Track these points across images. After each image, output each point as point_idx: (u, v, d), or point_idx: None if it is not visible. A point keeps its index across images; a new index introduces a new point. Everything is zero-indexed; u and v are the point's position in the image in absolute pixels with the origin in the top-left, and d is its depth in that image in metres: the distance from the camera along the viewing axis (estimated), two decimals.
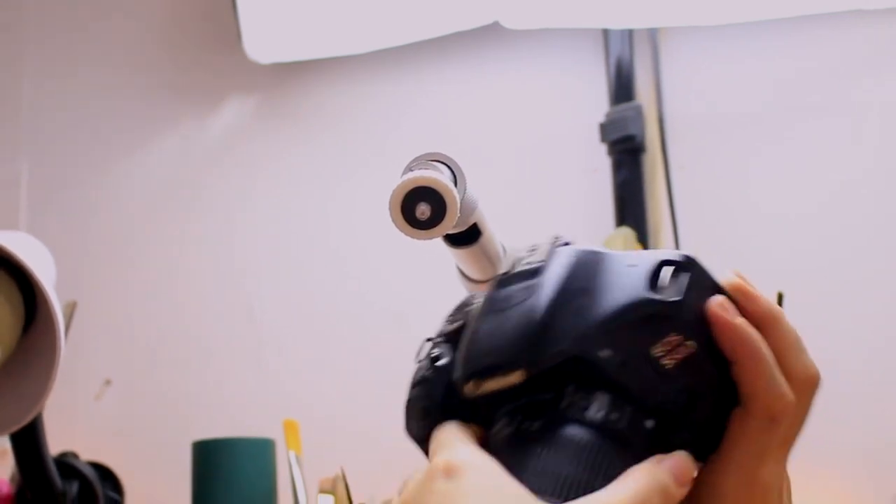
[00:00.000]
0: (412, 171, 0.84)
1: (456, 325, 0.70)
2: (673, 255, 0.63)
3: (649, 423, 0.60)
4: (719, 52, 1.73)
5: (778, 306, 0.71)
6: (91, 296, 1.77)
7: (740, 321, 0.65)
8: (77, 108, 2.03)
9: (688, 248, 1.61)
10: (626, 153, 1.70)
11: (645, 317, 0.60)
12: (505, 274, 0.66)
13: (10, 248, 1.13)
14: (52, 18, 2.07)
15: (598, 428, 0.58)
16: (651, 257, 0.62)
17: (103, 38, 2.04)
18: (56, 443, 1.44)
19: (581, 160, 1.74)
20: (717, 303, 0.65)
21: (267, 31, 1.84)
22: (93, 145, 2.01)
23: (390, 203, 0.81)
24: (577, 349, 0.59)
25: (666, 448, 0.60)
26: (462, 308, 0.72)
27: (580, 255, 0.64)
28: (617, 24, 1.72)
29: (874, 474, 1.51)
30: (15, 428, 1.21)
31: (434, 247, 1.19)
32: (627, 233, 1.57)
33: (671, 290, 0.61)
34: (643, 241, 1.63)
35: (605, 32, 1.75)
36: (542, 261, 0.64)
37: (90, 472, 1.49)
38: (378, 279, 1.81)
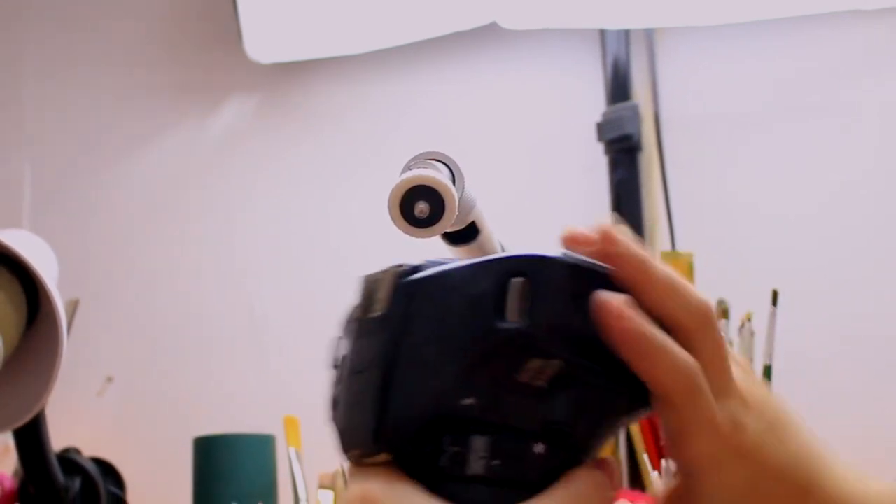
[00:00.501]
0: (411, 169, 0.85)
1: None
2: (516, 262, 0.58)
3: (539, 448, 0.56)
4: (715, 52, 1.74)
5: (643, 253, 0.68)
6: (93, 294, 1.77)
7: (626, 325, 0.60)
8: (79, 108, 2.03)
9: (683, 246, 1.61)
10: (623, 152, 1.70)
11: (495, 351, 0.55)
12: (350, 317, 0.61)
13: (13, 247, 1.14)
14: (54, 19, 2.07)
15: (483, 481, 0.55)
16: (494, 271, 0.57)
17: (105, 38, 2.04)
18: (58, 439, 1.44)
19: (578, 159, 1.75)
20: (604, 311, 0.59)
21: (267, 32, 1.84)
22: (94, 145, 2.01)
23: (389, 201, 0.81)
24: (435, 410, 0.55)
25: (570, 462, 0.57)
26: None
27: (421, 292, 0.57)
28: (613, 24, 1.72)
29: (869, 472, 1.52)
30: (18, 424, 1.21)
31: (432, 245, 1.19)
32: (624, 230, 1.57)
33: (517, 310, 0.55)
34: (639, 239, 1.63)
35: (602, 33, 1.75)
36: (385, 311, 0.58)
37: (92, 468, 1.49)
38: (373, 268, 1.81)
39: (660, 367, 0.61)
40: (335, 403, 0.60)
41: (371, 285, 0.60)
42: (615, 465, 0.59)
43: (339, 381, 0.61)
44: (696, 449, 0.63)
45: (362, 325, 0.59)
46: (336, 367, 0.64)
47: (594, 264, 0.61)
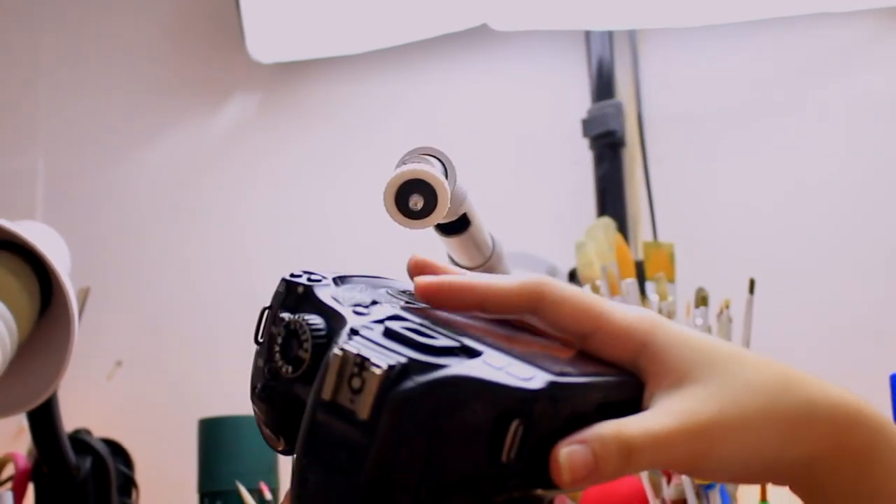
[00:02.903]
0: (406, 164, 0.85)
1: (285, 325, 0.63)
2: (513, 400, 0.53)
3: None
4: (694, 52, 1.74)
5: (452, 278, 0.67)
6: (103, 282, 1.77)
7: (446, 282, 0.65)
8: (90, 105, 2.03)
9: (665, 237, 1.62)
10: (607, 147, 1.70)
11: (482, 484, 0.53)
12: (327, 398, 0.55)
13: (27, 237, 1.13)
14: (67, 21, 2.06)
15: None
16: (490, 405, 0.52)
17: (115, 38, 2.04)
18: (70, 420, 1.44)
19: (565, 154, 1.75)
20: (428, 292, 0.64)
21: (269, 33, 1.84)
22: (105, 140, 2.01)
23: (385, 194, 0.81)
24: None
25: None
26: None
27: (411, 409, 0.52)
28: (598, 26, 1.72)
29: None
30: (32, 406, 1.21)
31: (425, 235, 1.18)
32: (608, 222, 1.57)
33: (514, 451, 0.53)
34: (623, 230, 1.63)
35: (587, 34, 1.75)
36: (370, 418, 0.53)
37: (102, 448, 1.49)
38: (372, 264, 1.81)
39: (499, 288, 0.63)
40: (303, 482, 0.56)
41: (345, 368, 0.54)
42: None
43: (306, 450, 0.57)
44: (616, 318, 0.62)
45: (331, 407, 0.54)
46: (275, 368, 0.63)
47: (582, 385, 0.56)
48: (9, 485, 1.48)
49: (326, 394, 0.54)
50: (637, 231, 1.69)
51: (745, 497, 1.32)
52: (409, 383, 0.52)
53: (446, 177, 0.83)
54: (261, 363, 0.67)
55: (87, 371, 1.87)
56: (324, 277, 0.69)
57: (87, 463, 1.46)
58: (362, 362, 0.53)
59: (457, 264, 1.27)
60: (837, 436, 0.64)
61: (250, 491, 1.38)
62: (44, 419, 1.36)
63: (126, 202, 1.97)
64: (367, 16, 1.80)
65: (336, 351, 0.55)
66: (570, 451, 0.55)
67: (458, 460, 0.52)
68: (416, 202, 0.80)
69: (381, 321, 0.58)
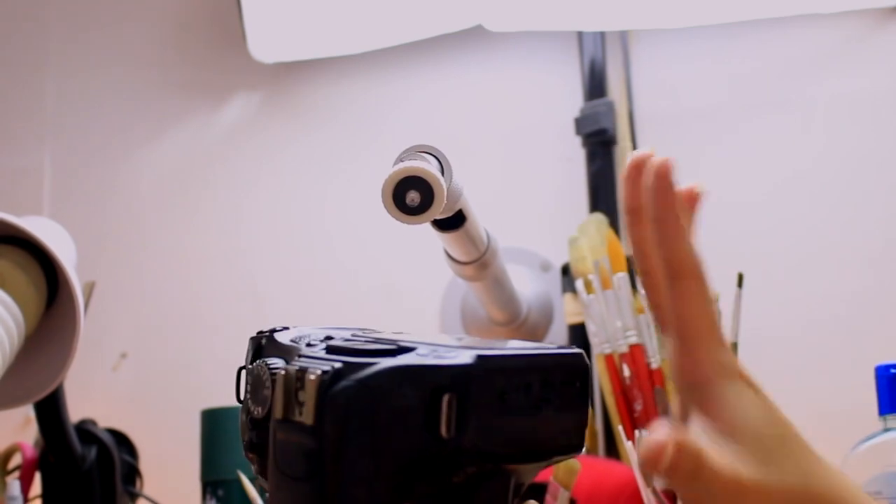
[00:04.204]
0: (403, 161, 0.84)
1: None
2: (441, 376, 0.54)
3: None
4: (684, 52, 1.73)
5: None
6: (109, 276, 1.77)
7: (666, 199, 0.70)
8: (96, 104, 2.02)
9: None
10: (599, 145, 1.69)
11: (430, 462, 0.54)
12: (280, 416, 0.57)
13: (34, 233, 1.13)
14: (73, 23, 2.06)
15: None
16: (421, 385, 0.54)
17: (119, 39, 2.03)
18: (76, 411, 1.44)
19: (557, 152, 1.74)
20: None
21: (270, 33, 1.84)
22: (110, 137, 2.00)
23: (383, 191, 0.81)
24: None
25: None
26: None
27: (348, 404, 0.53)
28: (590, 27, 1.72)
29: (822, 447, 1.52)
30: (38, 397, 1.21)
31: (421, 231, 1.18)
32: (600, 218, 1.57)
33: (449, 425, 0.54)
34: (614, 225, 1.63)
35: (580, 35, 1.75)
36: (313, 422, 0.54)
37: (107, 438, 1.49)
38: (370, 259, 1.81)
39: (679, 243, 0.71)
40: (277, 501, 0.57)
41: (289, 384, 0.56)
42: None
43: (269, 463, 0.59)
44: (710, 354, 0.65)
45: (285, 424, 0.56)
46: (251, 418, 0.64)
47: (511, 356, 0.56)
48: (16, 474, 1.48)
49: (278, 412, 0.56)
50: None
51: None
52: (344, 382, 0.54)
53: (443, 174, 0.83)
54: (243, 417, 0.68)
55: (93, 363, 1.87)
56: (287, 328, 0.70)
57: (93, 452, 1.45)
58: (302, 375, 0.55)
59: (453, 259, 1.26)
60: None
61: (252, 480, 1.37)
62: (50, 410, 1.36)
63: (131, 199, 1.97)
64: (367, 16, 1.79)
65: (280, 371, 0.57)
66: (649, 439, 0.57)
67: (403, 445, 0.53)
68: (413, 198, 0.80)
69: (325, 340, 0.61)
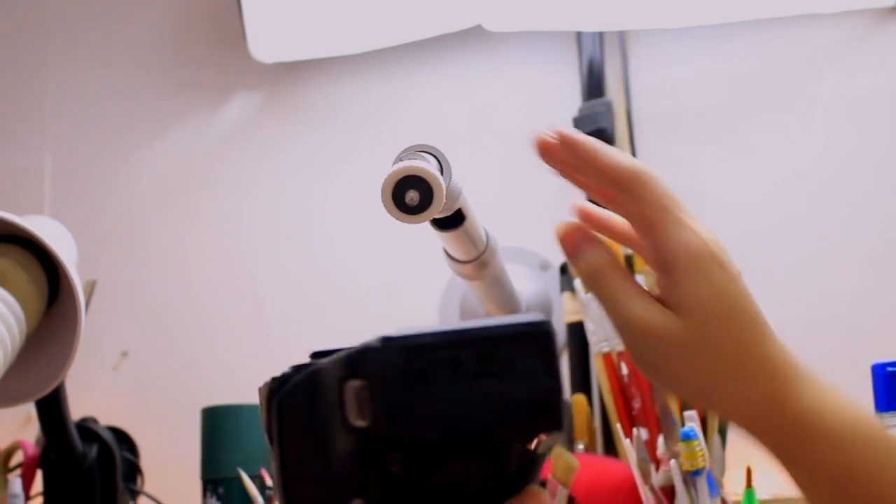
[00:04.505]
0: (402, 161, 0.84)
1: None
2: (348, 363, 0.53)
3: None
4: (682, 52, 1.73)
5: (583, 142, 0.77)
6: (109, 275, 1.77)
7: (568, 138, 0.77)
8: (96, 104, 2.02)
9: None
10: None
11: (356, 453, 0.52)
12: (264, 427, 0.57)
13: (35, 232, 1.13)
14: (73, 24, 2.06)
15: None
16: (335, 376, 0.53)
17: (120, 39, 2.03)
18: (77, 409, 1.44)
19: None
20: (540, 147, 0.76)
21: (270, 33, 1.84)
22: (111, 137, 2.00)
23: (382, 190, 0.81)
24: None
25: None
26: None
27: (289, 406, 0.54)
28: (589, 27, 1.72)
29: None
30: (40, 395, 1.21)
31: (421, 230, 1.18)
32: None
33: (357, 413, 0.52)
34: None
35: (578, 35, 1.75)
36: (266, 427, 0.55)
37: (108, 436, 1.49)
38: (370, 259, 1.81)
39: (608, 159, 0.75)
40: None
41: (261, 399, 0.57)
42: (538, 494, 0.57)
43: None
44: (678, 234, 0.71)
45: (267, 434, 0.56)
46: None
47: (427, 334, 0.53)
48: (18, 471, 1.48)
49: (263, 426, 0.56)
50: None
51: (732, 482, 1.32)
52: (284, 388, 0.54)
53: (442, 173, 0.83)
54: None
55: (94, 361, 1.87)
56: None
57: (94, 450, 1.45)
58: (266, 387, 0.55)
59: (452, 258, 1.26)
60: (769, 388, 0.69)
61: (252, 477, 1.37)
62: (52, 408, 1.36)
63: (131, 198, 1.97)
64: (366, 17, 1.79)
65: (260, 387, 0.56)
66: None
67: (335, 442, 0.52)
68: (413, 198, 0.80)
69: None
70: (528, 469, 0.53)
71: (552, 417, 0.51)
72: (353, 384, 0.51)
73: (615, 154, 0.75)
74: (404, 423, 0.51)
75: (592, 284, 0.75)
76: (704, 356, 0.66)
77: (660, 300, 0.72)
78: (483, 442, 0.51)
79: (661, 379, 0.71)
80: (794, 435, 0.69)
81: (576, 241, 0.80)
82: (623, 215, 0.77)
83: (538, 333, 0.53)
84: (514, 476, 0.52)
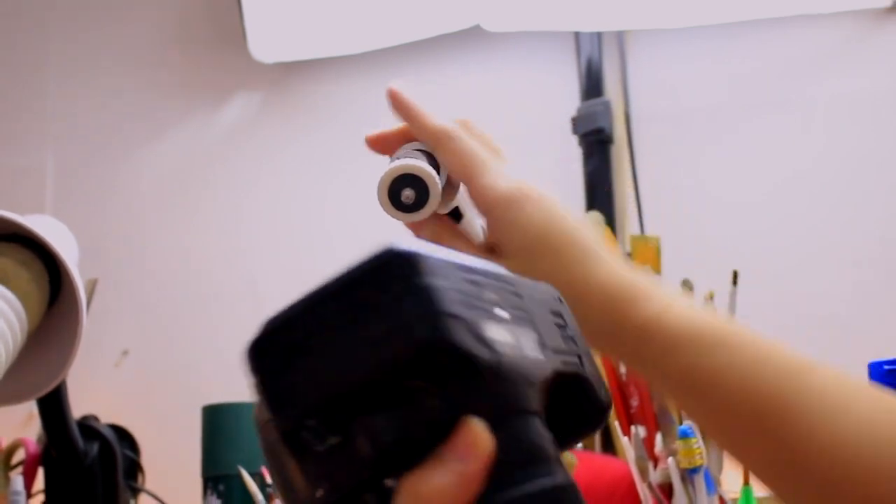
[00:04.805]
0: (399, 159, 0.85)
1: None
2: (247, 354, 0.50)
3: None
4: (680, 52, 1.74)
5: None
6: (110, 274, 1.77)
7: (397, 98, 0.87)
8: (97, 104, 2.02)
9: (651, 231, 1.61)
10: (596, 144, 1.70)
11: (281, 441, 0.50)
12: None
13: (37, 231, 1.13)
14: (74, 24, 2.06)
15: None
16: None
17: (121, 39, 2.04)
18: (78, 407, 1.44)
19: (555, 151, 1.74)
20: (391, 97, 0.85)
21: (270, 33, 1.84)
22: (112, 137, 2.00)
23: (378, 188, 0.81)
24: None
25: None
26: None
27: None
28: (587, 27, 1.72)
29: None
30: (41, 393, 1.21)
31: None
32: (596, 217, 1.57)
33: (258, 401, 0.51)
34: (611, 224, 1.63)
35: (577, 35, 1.75)
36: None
37: (109, 434, 1.49)
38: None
39: (420, 120, 0.84)
40: None
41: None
42: None
43: None
44: (486, 181, 0.77)
45: None
46: None
47: (301, 303, 0.51)
48: (19, 469, 1.48)
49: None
50: (624, 225, 1.69)
51: (729, 480, 1.32)
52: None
53: (438, 172, 0.83)
54: None
55: (95, 360, 1.87)
56: None
57: (95, 448, 1.45)
58: None
59: None
60: (613, 312, 0.73)
61: (252, 475, 1.37)
62: (53, 406, 1.36)
63: (132, 197, 1.97)
64: (366, 17, 1.80)
65: None
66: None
67: (276, 445, 0.50)
68: (409, 196, 0.81)
69: None
70: (455, 409, 0.46)
71: (430, 337, 0.45)
72: (253, 380, 0.49)
73: (427, 116, 0.85)
74: (285, 402, 0.48)
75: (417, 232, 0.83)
76: None
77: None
78: (380, 389, 0.46)
79: None
80: (642, 347, 0.72)
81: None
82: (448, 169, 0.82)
83: (392, 261, 0.48)
84: (438, 419, 0.46)
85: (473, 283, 0.50)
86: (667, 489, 1.20)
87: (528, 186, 0.79)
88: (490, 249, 0.78)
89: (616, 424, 1.33)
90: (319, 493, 0.47)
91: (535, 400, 0.49)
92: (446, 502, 0.43)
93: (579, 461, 1.20)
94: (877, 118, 1.63)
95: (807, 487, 0.68)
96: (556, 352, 0.53)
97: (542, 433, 0.48)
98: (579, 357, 0.55)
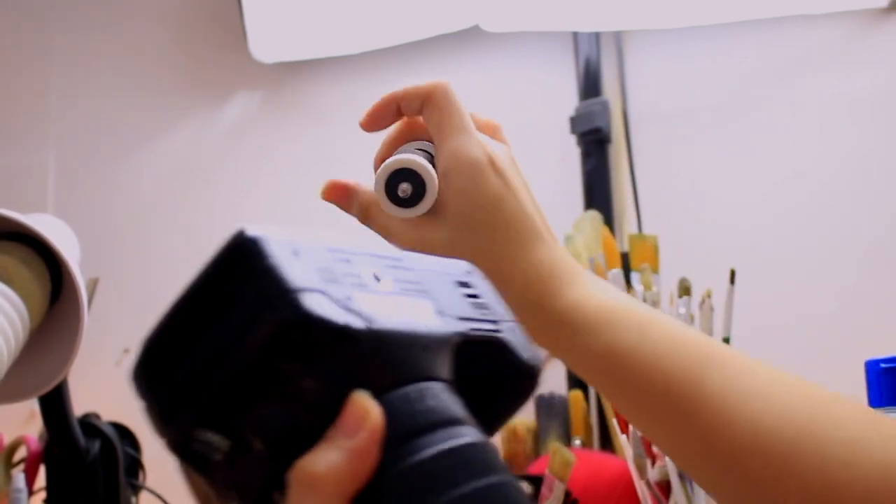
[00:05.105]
0: (397, 154, 0.85)
1: None
2: None
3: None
4: (677, 52, 1.74)
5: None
6: (112, 273, 1.77)
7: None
8: (99, 104, 2.02)
9: (649, 230, 1.61)
10: (594, 144, 1.70)
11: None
12: None
13: (38, 230, 1.13)
14: (76, 24, 2.06)
15: None
16: None
17: (122, 39, 2.04)
18: (80, 405, 1.44)
19: (553, 150, 1.75)
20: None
21: (270, 34, 1.84)
22: (113, 136, 2.00)
23: (375, 183, 0.82)
24: None
25: None
26: None
27: None
28: (585, 27, 1.72)
29: None
30: (43, 391, 1.21)
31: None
32: (595, 216, 1.57)
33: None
34: (609, 223, 1.63)
35: (575, 35, 1.75)
36: None
37: (111, 431, 1.49)
38: None
39: (407, 87, 0.85)
40: None
41: None
42: None
43: None
44: (460, 141, 0.80)
45: None
46: None
47: (168, 314, 0.51)
48: (21, 466, 1.48)
49: None
50: (623, 224, 1.69)
51: None
52: None
53: (435, 167, 0.84)
54: None
55: (97, 358, 1.87)
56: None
57: (96, 445, 1.45)
58: None
59: None
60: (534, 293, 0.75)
61: None
62: (54, 404, 1.36)
63: (133, 197, 1.97)
64: (366, 17, 1.80)
65: None
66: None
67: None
68: (405, 190, 0.81)
69: None
70: (334, 386, 0.45)
71: (285, 315, 0.45)
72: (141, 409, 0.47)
73: (412, 84, 0.85)
74: (170, 417, 0.47)
75: (365, 221, 0.87)
76: (468, 259, 0.66)
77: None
78: (257, 381, 0.44)
79: None
80: (560, 330, 0.74)
81: (339, 191, 0.94)
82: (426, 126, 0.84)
83: (236, 249, 0.50)
84: (319, 400, 0.45)
85: (344, 260, 0.51)
86: (665, 487, 1.20)
87: (500, 159, 0.81)
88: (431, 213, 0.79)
89: (614, 422, 1.33)
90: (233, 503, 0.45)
91: (433, 364, 0.48)
92: (339, 480, 0.42)
93: (578, 459, 1.20)
94: (874, 118, 1.63)
95: (712, 464, 0.70)
96: (463, 318, 0.52)
97: (442, 397, 0.47)
98: (495, 322, 0.54)
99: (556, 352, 0.75)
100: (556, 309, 0.74)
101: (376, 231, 0.84)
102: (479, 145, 0.81)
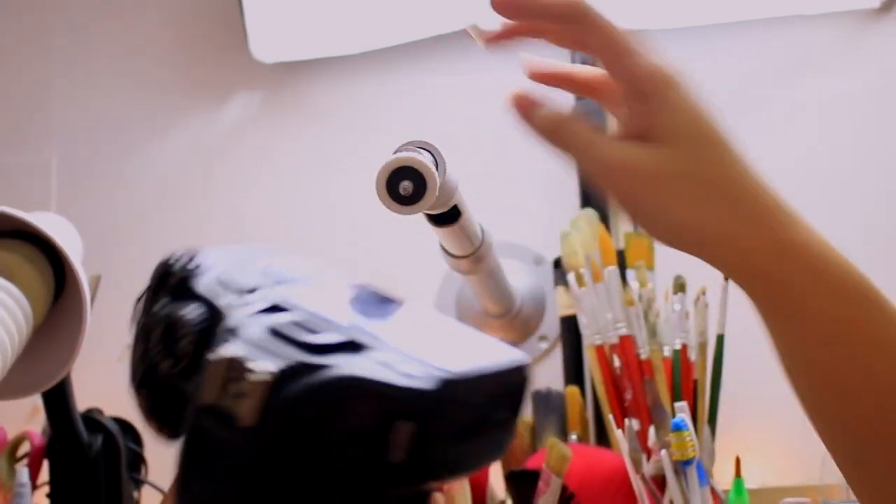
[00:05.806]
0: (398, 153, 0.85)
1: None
2: (398, 402, 0.49)
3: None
4: (672, 52, 1.73)
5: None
6: (114, 270, 1.77)
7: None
8: (101, 103, 2.02)
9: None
10: None
11: (369, 483, 0.49)
12: (209, 403, 0.51)
13: (42, 228, 1.14)
14: (78, 23, 2.06)
15: None
16: (375, 408, 0.48)
17: (124, 39, 2.04)
18: (83, 400, 1.44)
19: (550, 149, 1.74)
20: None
21: (271, 34, 1.84)
22: (115, 135, 2.00)
23: (377, 180, 0.82)
24: None
25: None
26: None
27: (295, 413, 0.49)
28: None
29: (811, 441, 1.52)
30: (46, 387, 1.21)
31: (417, 227, 1.19)
32: (591, 214, 1.57)
33: (404, 450, 0.49)
34: (605, 221, 1.63)
35: None
36: (255, 424, 0.49)
37: (113, 426, 1.49)
38: (369, 256, 1.81)
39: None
40: (187, 490, 0.52)
41: (227, 372, 0.50)
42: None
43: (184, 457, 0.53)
44: (641, 56, 0.69)
45: (214, 413, 0.50)
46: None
47: (466, 378, 0.50)
48: (25, 461, 1.48)
49: (208, 399, 0.50)
50: (618, 222, 1.69)
51: (721, 473, 1.32)
52: (294, 387, 0.48)
53: (437, 168, 0.84)
54: (139, 351, 0.64)
55: (99, 354, 1.86)
56: (201, 262, 0.66)
57: (99, 440, 1.46)
58: (245, 366, 0.49)
59: (448, 253, 1.27)
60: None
61: None
62: (58, 399, 1.37)
63: (135, 195, 1.97)
64: (365, 18, 1.80)
65: (217, 355, 0.51)
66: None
67: (344, 461, 0.48)
68: (406, 188, 0.81)
69: (264, 312, 0.54)
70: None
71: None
72: (406, 426, 0.48)
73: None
74: (441, 466, 0.49)
75: (554, 137, 0.76)
76: (690, 181, 0.63)
77: (630, 138, 0.70)
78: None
79: (644, 218, 0.69)
80: (789, 268, 0.68)
81: (526, 103, 0.78)
82: (588, 52, 0.76)
83: (523, 379, 0.54)
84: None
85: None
86: (660, 481, 1.21)
87: (670, 71, 0.72)
88: (640, 137, 0.71)
89: (610, 417, 1.33)
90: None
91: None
92: None
93: (574, 454, 1.20)
94: (868, 117, 1.64)
95: None
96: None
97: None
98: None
99: (770, 295, 0.68)
100: (783, 238, 0.69)
101: (568, 148, 0.75)
102: (664, 60, 0.74)
